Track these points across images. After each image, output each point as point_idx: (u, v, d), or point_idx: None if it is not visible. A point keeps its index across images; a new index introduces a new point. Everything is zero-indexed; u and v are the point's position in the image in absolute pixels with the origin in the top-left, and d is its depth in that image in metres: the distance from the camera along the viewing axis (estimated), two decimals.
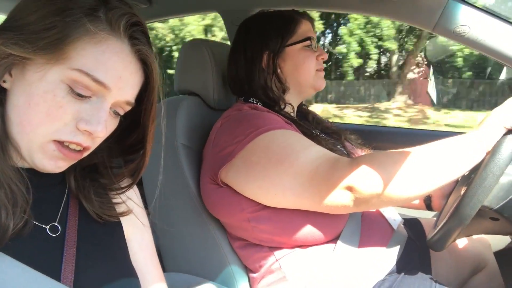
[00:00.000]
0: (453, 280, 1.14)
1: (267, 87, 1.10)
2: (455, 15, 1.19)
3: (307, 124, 1.12)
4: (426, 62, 10.28)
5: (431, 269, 1.10)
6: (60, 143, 0.54)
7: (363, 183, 0.80)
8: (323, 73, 1.17)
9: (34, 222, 0.56)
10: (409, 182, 0.79)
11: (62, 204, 0.61)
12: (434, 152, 0.82)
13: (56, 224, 0.59)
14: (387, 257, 1.01)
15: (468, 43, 1.19)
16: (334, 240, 0.98)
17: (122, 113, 0.60)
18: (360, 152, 1.21)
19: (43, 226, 0.58)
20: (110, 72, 0.54)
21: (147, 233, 0.74)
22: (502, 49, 1.12)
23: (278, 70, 1.12)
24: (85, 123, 0.54)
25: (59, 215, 0.60)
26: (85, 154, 0.59)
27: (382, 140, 1.63)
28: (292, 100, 1.15)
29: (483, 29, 1.15)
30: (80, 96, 0.53)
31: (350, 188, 0.81)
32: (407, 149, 0.84)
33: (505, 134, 0.81)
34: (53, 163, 0.55)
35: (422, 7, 1.22)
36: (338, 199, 0.83)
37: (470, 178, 0.87)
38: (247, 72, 1.12)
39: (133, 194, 0.72)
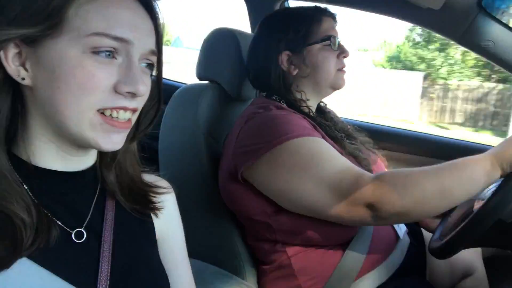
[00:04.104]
0: (446, 283, 1.20)
1: (284, 86, 1.10)
2: (481, 29, 1.19)
3: (329, 124, 1.13)
4: None
5: (425, 273, 1.16)
6: (107, 116, 0.52)
7: (384, 202, 0.83)
8: (344, 73, 1.15)
9: (65, 228, 0.54)
10: (428, 202, 0.83)
11: (92, 208, 0.58)
12: (453, 173, 0.85)
13: (82, 230, 0.55)
14: (391, 260, 1.06)
15: (491, 58, 1.21)
16: (346, 244, 1.02)
17: (151, 67, 0.57)
18: (373, 156, 1.23)
19: (70, 231, 0.54)
20: (124, 25, 0.51)
21: (182, 240, 0.73)
22: None
23: (296, 70, 1.10)
24: (123, 84, 0.51)
25: (87, 220, 0.56)
26: (134, 118, 0.57)
27: (388, 140, 1.65)
28: (311, 99, 1.14)
29: (508, 46, 1.17)
30: (107, 57, 0.51)
31: (371, 206, 0.84)
32: (426, 168, 0.86)
33: None
34: (107, 138, 0.53)
35: (450, 17, 1.22)
36: (357, 214, 0.86)
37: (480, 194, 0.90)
38: (264, 69, 1.11)
39: (171, 199, 0.71)
